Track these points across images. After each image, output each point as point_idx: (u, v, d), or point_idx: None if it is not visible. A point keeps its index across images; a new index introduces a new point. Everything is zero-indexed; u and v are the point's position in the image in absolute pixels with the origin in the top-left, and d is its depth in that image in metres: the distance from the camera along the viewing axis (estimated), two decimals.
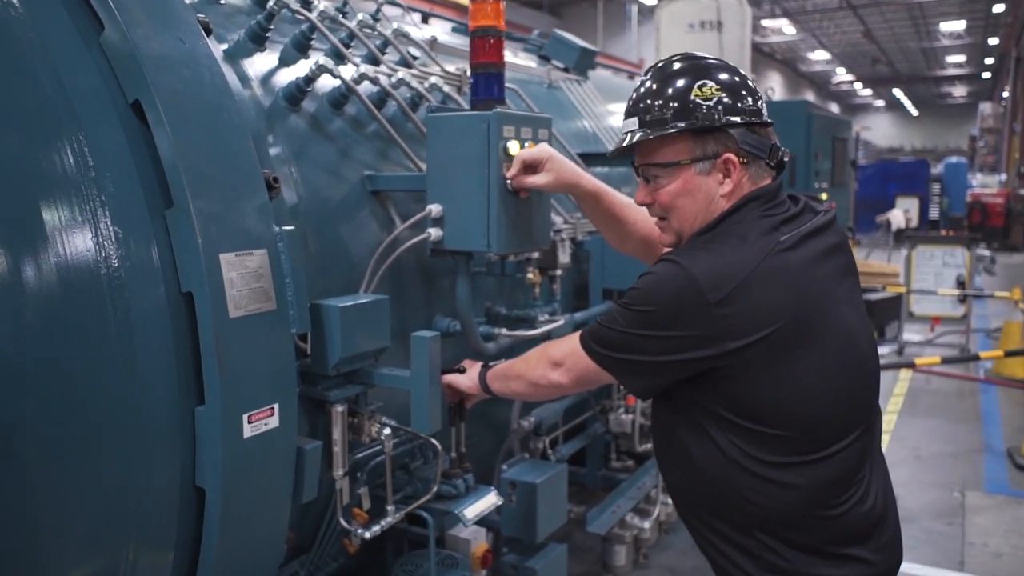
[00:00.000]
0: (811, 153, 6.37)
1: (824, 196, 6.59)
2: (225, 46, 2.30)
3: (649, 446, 3.60)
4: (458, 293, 2.41)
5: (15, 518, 1.57)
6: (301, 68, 2.41)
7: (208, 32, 2.02)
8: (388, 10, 3.50)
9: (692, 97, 1.70)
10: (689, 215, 1.75)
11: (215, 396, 1.75)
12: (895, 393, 7.50)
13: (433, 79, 2.78)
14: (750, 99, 1.73)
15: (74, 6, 1.81)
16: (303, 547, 2.35)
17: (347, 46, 2.64)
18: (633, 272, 1.84)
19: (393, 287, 2.51)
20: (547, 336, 2.87)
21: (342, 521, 2.20)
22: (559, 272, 3.08)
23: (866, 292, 9.38)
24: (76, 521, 1.65)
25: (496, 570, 2.90)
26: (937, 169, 22.73)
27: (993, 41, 29.64)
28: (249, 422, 1.81)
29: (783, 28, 27.73)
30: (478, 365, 2.19)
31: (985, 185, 23.62)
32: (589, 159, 3.68)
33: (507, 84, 3.36)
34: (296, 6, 2.38)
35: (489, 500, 2.53)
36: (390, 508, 2.26)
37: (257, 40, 2.37)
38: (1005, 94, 28.00)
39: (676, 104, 1.71)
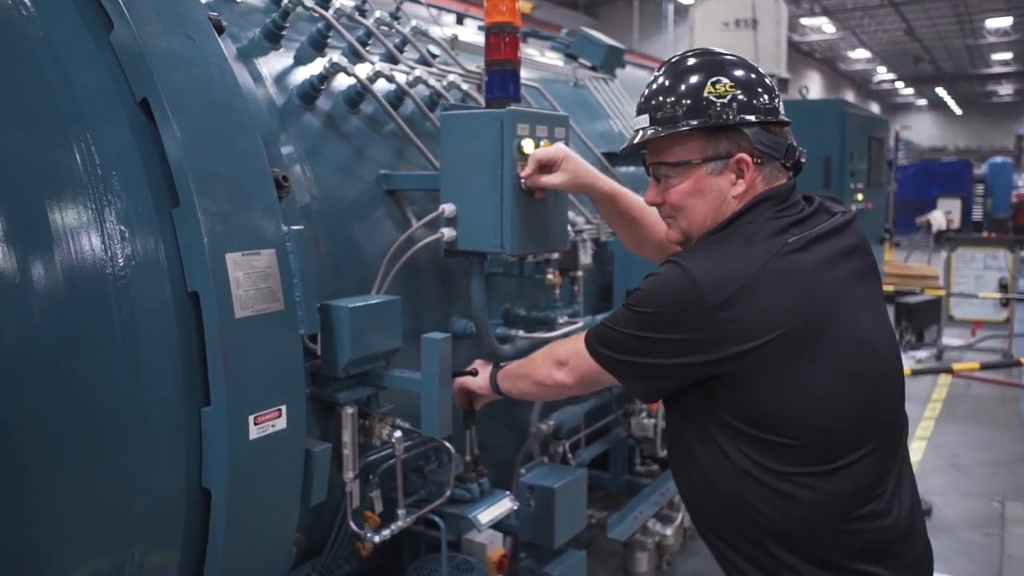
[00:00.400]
0: (846, 153, 6.23)
1: (860, 197, 6.45)
2: (240, 44, 2.29)
3: None
4: (472, 294, 2.37)
5: (17, 517, 1.56)
6: (316, 66, 2.39)
7: (220, 31, 2.00)
8: (420, 10, 3.50)
9: (705, 94, 1.64)
10: (699, 216, 1.70)
11: (220, 397, 1.74)
12: (933, 399, 7.32)
13: (452, 77, 2.74)
14: (766, 97, 1.67)
15: (84, 4, 1.80)
16: (315, 549, 2.33)
17: (365, 44, 2.62)
18: None
19: (408, 288, 2.48)
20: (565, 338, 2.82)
21: (352, 525, 2.17)
22: (580, 273, 3.04)
23: (904, 295, 9.19)
24: (79, 521, 1.64)
25: (513, 575, 2.86)
26: (981, 169, 22.17)
27: None
28: (255, 423, 1.78)
29: (822, 26, 27.30)
30: (489, 366, 2.15)
31: None
32: (614, 159, 3.62)
33: (530, 83, 3.34)
34: (311, 4, 2.36)
35: (504, 505, 2.49)
36: (401, 512, 2.23)
37: (272, 38, 2.35)
38: None
39: (688, 101, 1.66)
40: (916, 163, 24.55)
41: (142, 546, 1.73)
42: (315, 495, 2.02)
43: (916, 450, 5.96)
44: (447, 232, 2.24)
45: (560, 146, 2.16)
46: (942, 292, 9.23)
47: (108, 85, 1.76)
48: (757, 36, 9.26)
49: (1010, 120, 41.55)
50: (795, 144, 1.72)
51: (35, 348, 1.56)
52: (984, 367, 6.08)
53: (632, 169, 3.83)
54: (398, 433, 2.16)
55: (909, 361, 8.30)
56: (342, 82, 2.46)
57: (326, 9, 2.48)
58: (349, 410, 2.12)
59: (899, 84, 41.12)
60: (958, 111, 45.78)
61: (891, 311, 8.95)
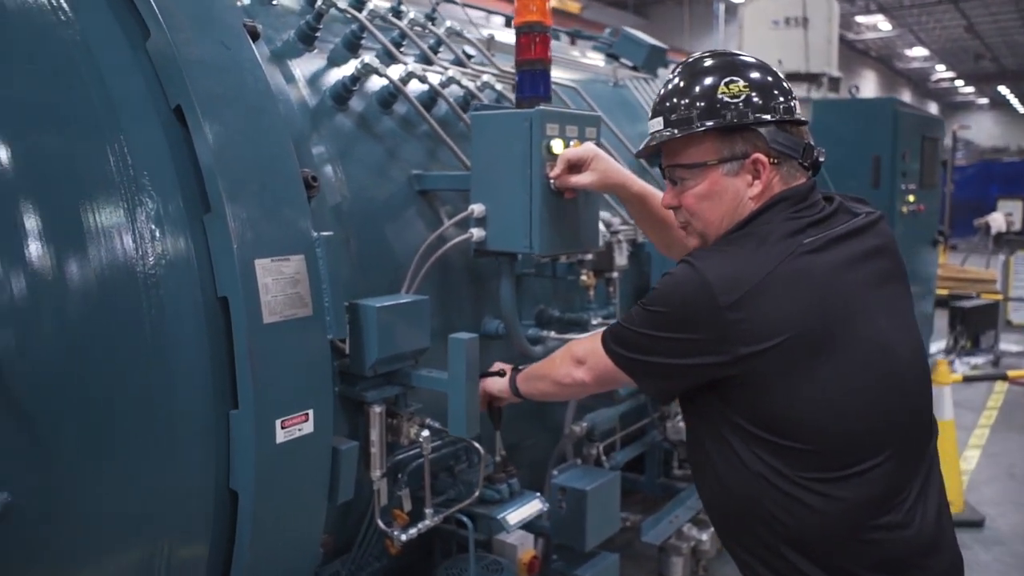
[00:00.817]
0: (897, 153, 6.08)
1: (911, 198, 6.29)
2: (274, 46, 2.32)
3: None
4: (501, 294, 2.37)
5: (54, 508, 1.60)
6: (349, 68, 2.41)
7: (256, 37, 2.03)
8: (464, 13, 3.50)
9: (719, 95, 1.63)
10: (715, 217, 1.68)
11: (248, 401, 1.76)
12: (988, 406, 7.10)
13: (486, 77, 2.74)
14: (782, 98, 1.65)
15: (121, 10, 1.84)
16: (345, 546, 2.35)
17: (399, 45, 2.63)
18: None
19: (440, 288, 2.48)
20: None
21: (379, 523, 2.18)
22: (615, 275, 3.01)
23: (959, 299, 8.93)
24: (112, 513, 1.68)
25: None
26: None
27: None
28: (282, 427, 1.81)
29: (878, 24, 26.68)
30: (510, 368, 2.15)
31: None
32: (652, 160, 3.58)
33: (567, 83, 3.32)
34: (344, 5, 2.38)
35: (533, 506, 2.48)
36: (428, 511, 2.23)
37: (306, 40, 2.38)
38: None
39: (703, 102, 1.64)
40: (976, 163, 23.87)
41: (171, 540, 1.77)
42: (342, 493, 2.03)
43: (970, 459, 5.79)
44: (476, 232, 2.24)
45: (589, 146, 2.15)
46: (999, 296, 8.95)
47: (142, 90, 1.80)
48: (807, 34, 9.10)
49: None
50: (813, 143, 1.69)
51: (70, 344, 1.60)
52: None
53: None
54: (425, 432, 2.16)
55: (963, 367, 8.07)
56: (376, 83, 2.48)
57: (360, 11, 2.49)
58: (377, 409, 2.13)
59: (959, 82, 39.98)
60: (1021, 109, 44.34)
61: (946, 316, 8.71)
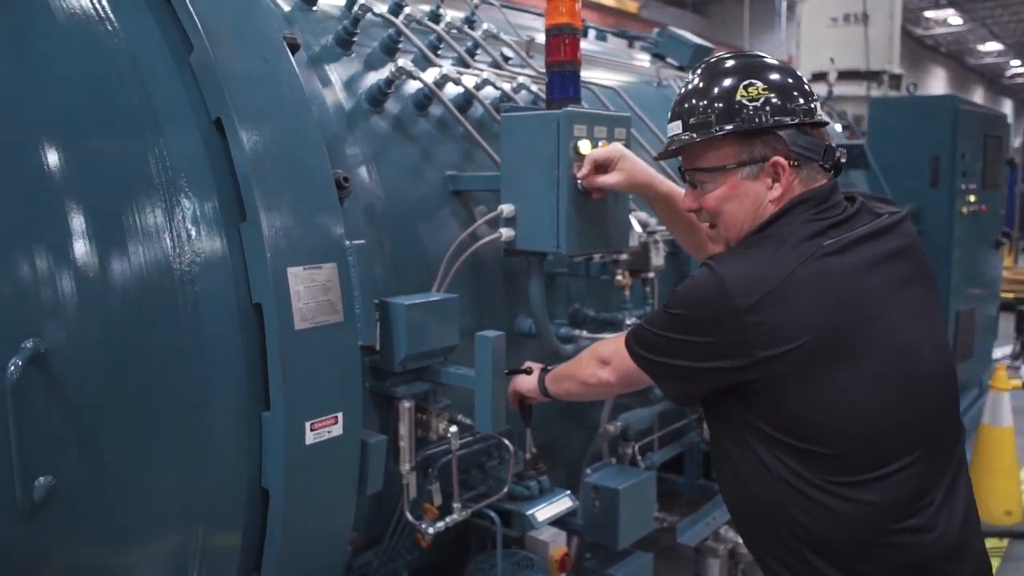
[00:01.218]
0: (957, 152, 5.91)
1: (972, 198, 6.11)
2: (313, 51, 2.39)
3: None
4: (531, 294, 2.40)
5: (98, 494, 1.70)
6: (385, 71, 2.47)
7: (295, 48, 2.09)
8: (522, 18, 3.55)
9: (738, 98, 1.63)
10: (736, 221, 1.68)
11: (279, 403, 1.83)
12: None
13: (521, 79, 2.78)
14: (802, 100, 1.64)
15: (166, 22, 1.92)
16: (378, 538, 2.41)
17: (436, 48, 2.69)
18: None
19: (473, 286, 2.53)
20: None
21: (408, 516, 2.23)
22: (651, 275, 3.01)
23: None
24: (150, 499, 1.76)
25: (577, 574, 2.87)
26: None
27: None
28: (312, 429, 1.87)
29: (948, 19, 25.88)
30: (538, 367, 2.17)
31: None
32: None
33: (607, 83, 3.34)
34: (381, 11, 2.44)
35: (562, 504, 2.51)
36: (456, 506, 2.28)
37: (344, 45, 2.45)
38: None
39: (721, 105, 1.64)
40: None
41: (206, 529, 1.84)
42: (371, 485, 2.09)
43: None
44: (506, 232, 2.27)
45: (616, 146, 2.16)
46: None
47: (183, 99, 1.87)
48: (867, 31, 8.90)
49: None
50: (834, 145, 1.68)
51: (112, 339, 1.69)
52: None
53: None
54: (453, 428, 2.20)
55: None
56: (412, 85, 2.53)
57: (397, 15, 2.55)
58: (406, 404, 2.18)
59: None
60: None
61: (1011, 320, 8.41)
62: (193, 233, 1.79)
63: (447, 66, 2.49)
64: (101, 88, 1.80)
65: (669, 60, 4.41)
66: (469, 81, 2.60)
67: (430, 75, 2.50)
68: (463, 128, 2.59)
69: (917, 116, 6.07)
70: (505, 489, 2.39)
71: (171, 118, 1.84)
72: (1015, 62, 34.31)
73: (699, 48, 4.37)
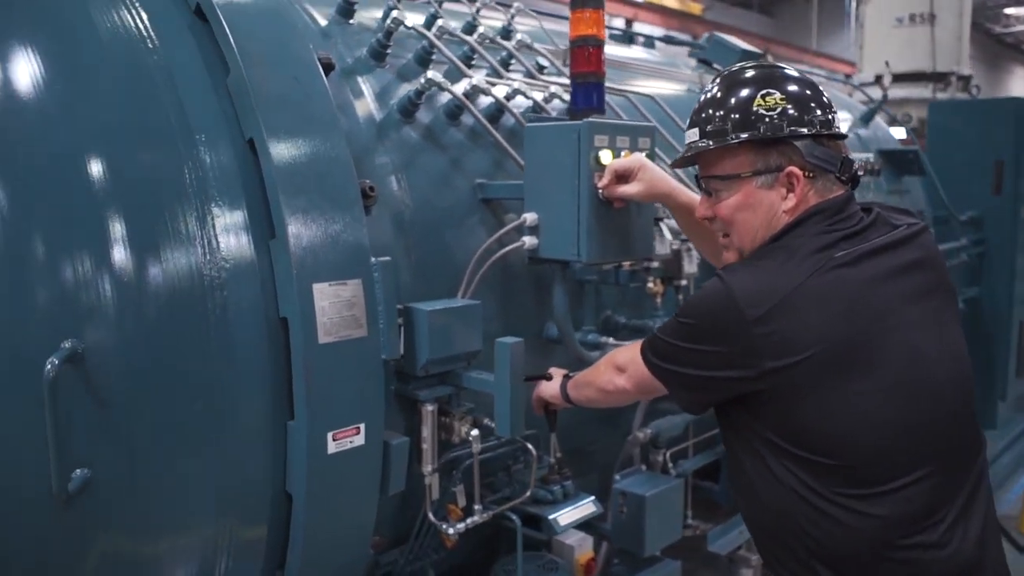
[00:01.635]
0: (1022, 157, 5.72)
1: None
2: (347, 64, 2.46)
3: None
4: (554, 301, 2.44)
5: (133, 488, 1.80)
6: (417, 82, 2.54)
7: (330, 68, 2.16)
8: (558, 25, 3.59)
9: (754, 107, 1.64)
10: (749, 230, 1.69)
11: (302, 414, 1.91)
12: None
13: (554, 88, 2.82)
14: (819, 111, 1.64)
15: (204, 41, 2.01)
16: (404, 537, 2.48)
17: (470, 59, 2.74)
18: None
19: (502, 293, 2.57)
20: None
21: (431, 516, 2.29)
22: (684, 282, 3.01)
23: None
24: (181, 493, 1.86)
25: None
26: None
27: None
28: (334, 439, 1.95)
29: None
30: (561, 373, 2.21)
31: None
32: None
33: (644, 91, 3.35)
34: (412, 24, 2.51)
35: (586, 508, 2.53)
36: (477, 507, 2.32)
37: (378, 57, 2.52)
38: None
39: (737, 114, 1.65)
40: None
41: (234, 523, 1.93)
42: (393, 485, 2.16)
43: None
44: (528, 240, 2.32)
45: (637, 156, 2.19)
46: None
47: (218, 117, 1.96)
48: (934, 31, 8.64)
49: None
50: (851, 157, 1.67)
51: (146, 340, 1.79)
52: None
53: None
54: (475, 431, 2.25)
55: None
56: (445, 96, 2.59)
57: (430, 28, 2.62)
58: (429, 407, 2.24)
59: None
60: None
61: None
62: (222, 242, 1.88)
63: (477, 77, 2.55)
64: (139, 102, 1.90)
65: (716, 66, 4.38)
66: (500, 91, 2.64)
67: (461, 86, 2.56)
68: (492, 137, 2.64)
69: (980, 119, 5.89)
70: (528, 493, 2.43)
71: (205, 134, 1.93)
72: None
73: (746, 53, 4.33)
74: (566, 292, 2.42)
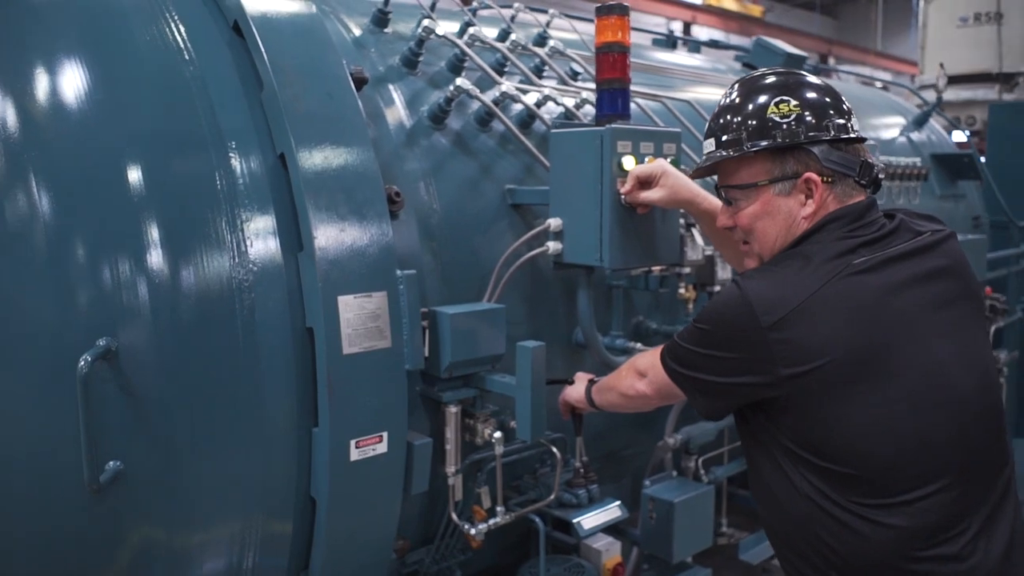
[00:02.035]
0: None
1: None
2: (379, 72, 2.52)
3: None
4: (579, 306, 2.45)
5: (169, 483, 1.88)
6: (447, 90, 2.59)
7: (362, 83, 2.22)
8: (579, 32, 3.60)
9: (769, 115, 1.64)
10: (769, 238, 1.69)
11: (325, 421, 1.96)
12: None
13: (585, 94, 2.83)
14: (837, 117, 1.63)
15: (240, 54, 2.09)
16: (431, 537, 2.52)
17: (503, 66, 2.78)
18: None
19: (530, 297, 2.60)
20: None
21: (454, 517, 2.33)
22: (717, 288, 2.99)
23: None
24: (211, 487, 1.93)
25: None
26: None
27: None
28: (356, 447, 2.00)
29: None
30: (586, 378, 2.22)
31: None
32: None
33: (682, 97, 3.34)
34: (443, 32, 2.55)
35: (611, 513, 2.54)
36: (499, 509, 2.35)
37: (410, 64, 2.58)
38: None
39: (753, 122, 1.65)
40: None
41: (261, 518, 2.00)
42: (416, 485, 2.20)
43: None
44: (553, 245, 2.34)
45: (660, 162, 2.19)
46: None
47: (250, 129, 2.03)
48: (1001, 31, 8.37)
49: None
50: (871, 161, 1.65)
51: (178, 339, 1.87)
52: None
53: None
54: (497, 433, 2.28)
55: None
56: (476, 102, 2.63)
57: (462, 36, 2.66)
58: (452, 409, 2.28)
59: None
60: None
61: None
62: (250, 247, 1.95)
63: (507, 84, 2.58)
64: (174, 111, 1.98)
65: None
66: (531, 98, 2.67)
67: (490, 93, 2.59)
68: (522, 143, 2.67)
69: (1013, 123, 5.69)
70: (552, 496, 2.44)
71: (237, 145, 2.00)
72: None
73: (790, 57, 4.29)
74: (591, 297, 2.43)
